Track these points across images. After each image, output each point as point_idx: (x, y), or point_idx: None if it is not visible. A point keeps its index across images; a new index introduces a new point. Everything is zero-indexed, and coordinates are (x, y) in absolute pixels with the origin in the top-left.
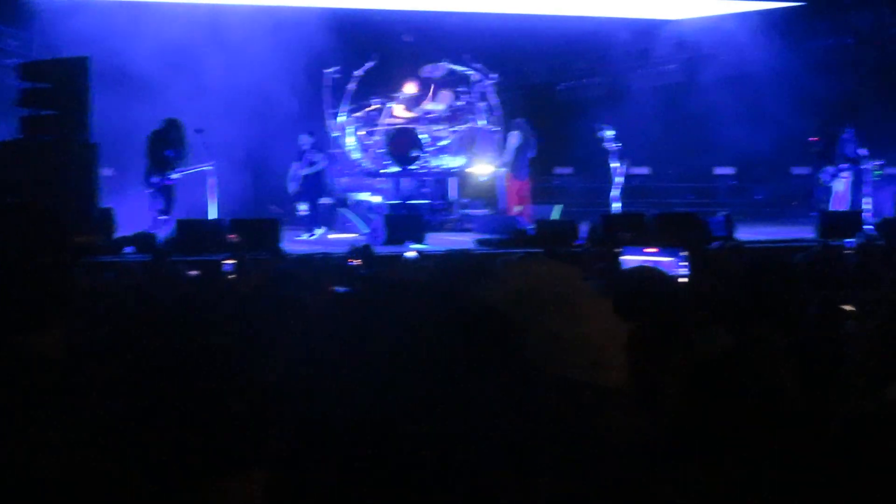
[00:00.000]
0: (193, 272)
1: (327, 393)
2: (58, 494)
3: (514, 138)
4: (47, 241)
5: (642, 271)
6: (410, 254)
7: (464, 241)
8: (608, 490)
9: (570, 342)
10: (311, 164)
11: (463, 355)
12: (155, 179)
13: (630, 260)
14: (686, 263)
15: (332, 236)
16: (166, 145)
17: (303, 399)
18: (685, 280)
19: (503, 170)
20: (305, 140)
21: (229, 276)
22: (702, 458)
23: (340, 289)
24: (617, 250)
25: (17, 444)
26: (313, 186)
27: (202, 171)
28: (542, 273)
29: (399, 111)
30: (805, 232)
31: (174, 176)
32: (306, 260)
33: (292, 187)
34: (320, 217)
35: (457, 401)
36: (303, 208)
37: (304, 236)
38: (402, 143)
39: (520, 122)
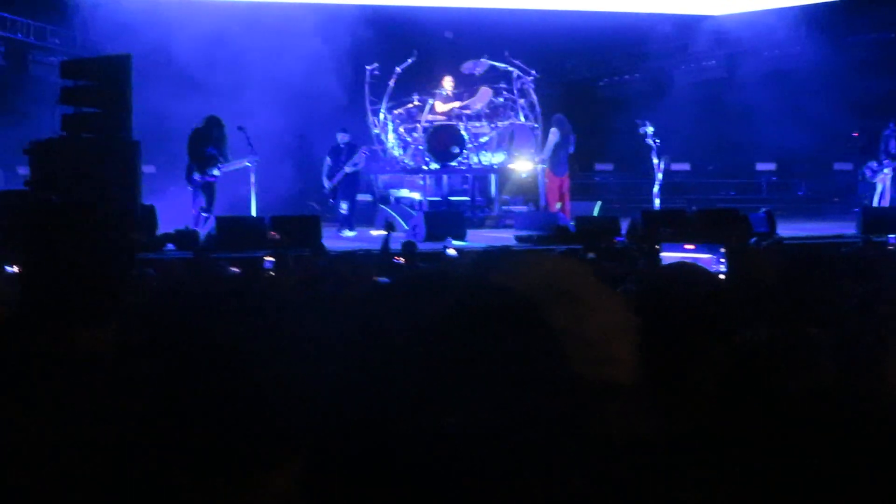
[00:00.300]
0: (234, 269)
1: (357, 386)
2: (100, 488)
3: (554, 135)
4: (107, 238)
5: (681, 267)
6: (451, 251)
7: (504, 237)
8: (614, 489)
9: (576, 338)
10: (355, 164)
11: (493, 349)
12: (196, 177)
13: (669, 257)
14: (725, 260)
15: (373, 233)
16: (208, 142)
17: (337, 393)
18: (724, 276)
19: (543, 166)
20: (342, 137)
21: (270, 273)
22: (731, 456)
23: (382, 279)
24: (657, 247)
25: (60, 438)
26: (353, 184)
27: (243, 168)
28: (549, 267)
29: (439, 107)
30: (848, 228)
31: (215, 173)
32: (348, 256)
33: (329, 184)
34: (357, 215)
35: (478, 398)
36: (344, 207)
37: (347, 233)
38: (443, 140)
39: (559, 118)
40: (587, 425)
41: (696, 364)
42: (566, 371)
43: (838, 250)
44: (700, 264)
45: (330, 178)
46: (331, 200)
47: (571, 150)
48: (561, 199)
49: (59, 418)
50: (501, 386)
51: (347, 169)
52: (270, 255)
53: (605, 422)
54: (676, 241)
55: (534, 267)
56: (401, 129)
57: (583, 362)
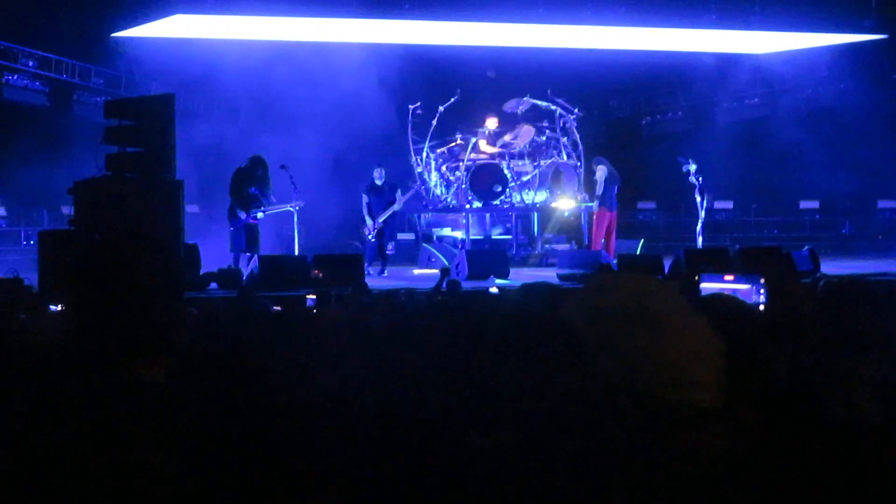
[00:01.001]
0: (276, 308)
1: (397, 412)
2: None
3: (602, 171)
4: (153, 275)
5: (718, 297)
6: (493, 289)
7: (547, 275)
8: None
9: (656, 359)
10: (400, 202)
11: (532, 373)
12: (241, 216)
13: (709, 288)
14: (765, 291)
15: (416, 272)
16: (251, 182)
17: (377, 421)
18: (763, 307)
19: (587, 204)
20: (379, 174)
21: (312, 311)
22: (780, 484)
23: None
24: (696, 278)
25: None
26: (394, 224)
27: (287, 202)
28: (630, 287)
29: (482, 146)
30: (892, 265)
31: (259, 216)
32: (391, 295)
33: (376, 224)
34: (399, 253)
35: (523, 417)
36: (390, 246)
37: (383, 272)
38: (486, 178)
39: (600, 159)
40: (664, 445)
41: (740, 395)
42: (644, 393)
43: (882, 286)
44: (738, 296)
45: (372, 216)
46: (372, 239)
47: (618, 187)
48: (607, 236)
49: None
50: (536, 404)
51: (396, 207)
52: (313, 294)
53: (682, 443)
54: (716, 273)
55: (610, 286)
56: (443, 168)
57: (662, 384)
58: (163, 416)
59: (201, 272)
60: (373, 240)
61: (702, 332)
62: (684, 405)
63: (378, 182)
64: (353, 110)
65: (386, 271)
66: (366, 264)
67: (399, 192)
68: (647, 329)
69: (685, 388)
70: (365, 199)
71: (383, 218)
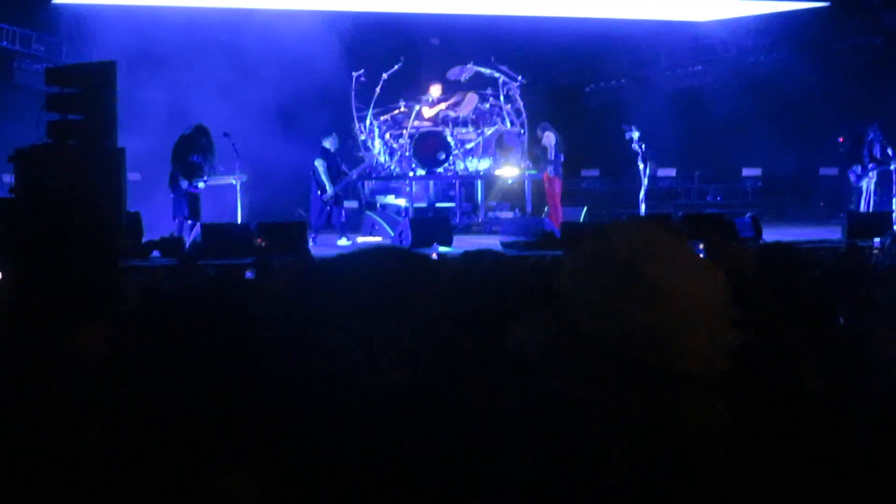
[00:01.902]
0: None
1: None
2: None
3: (550, 138)
4: (93, 243)
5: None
6: (433, 255)
7: (490, 243)
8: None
9: (648, 325)
10: (354, 173)
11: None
12: (183, 184)
13: None
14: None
15: (360, 239)
16: (194, 150)
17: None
18: None
19: (531, 171)
20: (333, 141)
21: (254, 280)
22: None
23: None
24: None
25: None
26: (345, 191)
27: (230, 171)
28: (630, 238)
29: (426, 113)
30: (833, 233)
31: (200, 185)
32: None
33: (334, 189)
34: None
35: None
36: (343, 213)
37: (344, 241)
38: (429, 146)
39: (546, 125)
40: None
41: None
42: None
43: (818, 253)
44: None
45: (332, 182)
46: (329, 207)
47: (563, 156)
48: (558, 202)
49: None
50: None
51: (354, 175)
52: (257, 262)
53: (673, 414)
54: None
55: (622, 231)
56: (387, 136)
57: (655, 352)
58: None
59: (144, 240)
60: (328, 207)
61: (706, 294)
62: (675, 373)
63: (331, 149)
64: (297, 77)
65: (343, 239)
66: (311, 233)
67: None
68: (642, 289)
69: (679, 356)
70: (323, 164)
71: (341, 186)
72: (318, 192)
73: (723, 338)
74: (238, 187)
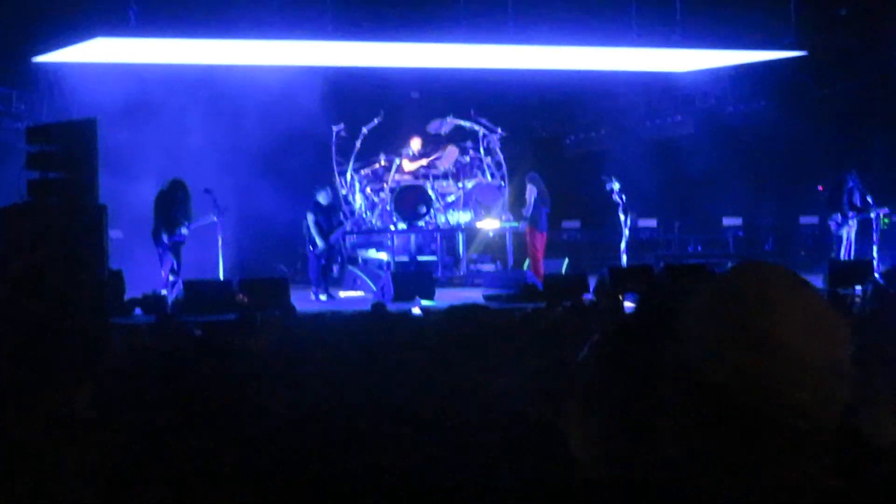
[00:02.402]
0: (198, 332)
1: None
2: None
3: (532, 192)
4: (77, 303)
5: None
6: (416, 310)
7: (473, 296)
8: None
9: (758, 375)
10: (342, 223)
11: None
12: (164, 238)
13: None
14: None
15: (342, 294)
16: (173, 205)
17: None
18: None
19: (513, 224)
20: (327, 194)
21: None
22: None
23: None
24: (620, 297)
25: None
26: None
27: (211, 227)
28: (747, 285)
29: (406, 167)
30: (815, 281)
31: (184, 232)
32: (317, 318)
33: (324, 244)
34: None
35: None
36: (335, 268)
37: (323, 297)
38: (410, 200)
39: (533, 175)
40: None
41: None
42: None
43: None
44: None
45: (324, 237)
46: (323, 261)
47: (548, 208)
48: (539, 256)
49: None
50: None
51: (347, 228)
52: (239, 318)
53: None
54: (639, 292)
55: (741, 277)
56: (368, 190)
57: (765, 403)
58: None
59: (126, 297)
60: (322, 261)
61: (823, 347)
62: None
63: (324, 203)
64: (278, 131)
65: (331, 293)
66: (314, 287)
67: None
68: (755, 338)
69: (783, 408)
70: (312, 218)
71: (334, 239)
72: (311, 248)
73: (834, 393)
74: (219, 242)
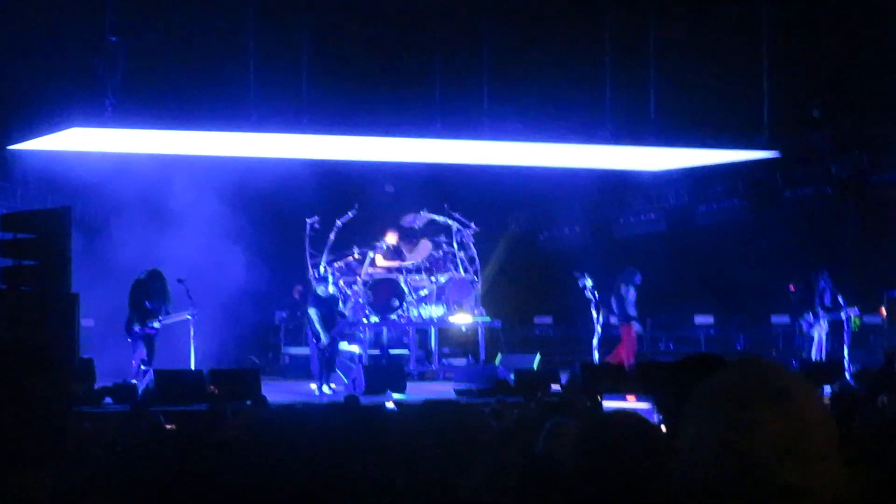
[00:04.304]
0: (169, 426)
1: None
2: None
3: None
4: (45, 388)
5: (620, 414)
6: (389, 403)
7: (444, 390)
8: None
9: (750, 465)
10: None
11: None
12: (136, 328)
13: (610, 406)
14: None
15: (313, 386)
16: (148, 295)
17: None
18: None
19: (485, 319)
20: (327, 288)
21: (208, 427)
22: None
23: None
24: (598, 397)
25: None
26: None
27: (184, 320)
28: (736, 381)
29: (380, 261)
30: None
31: (156, 325)
32: (287, 410)
33: (328, 337)
34: (295, 368)
35: None
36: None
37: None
38: (383, 293)
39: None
40: None
41: None
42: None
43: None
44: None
45: (327, 330)
46: (326, 354)
47: None
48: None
49: None
50: None
51: (349, 317)
52: (209, 409)
53: None
54: (618, 393)
55: (734, 374)
56: (341, 282)
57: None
58: None
59: (96, 386)
60: (326, 354)
61: (814, 437)
62: None
63: (323, 296)
64: (251, 224)
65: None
66: (316, 380)
67: (341, 304)
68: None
69: (777, 494)
70: (316, 312)
71: (336, 331)
72: (315, 340)
73: (829, 480)
74: (191, 333)
